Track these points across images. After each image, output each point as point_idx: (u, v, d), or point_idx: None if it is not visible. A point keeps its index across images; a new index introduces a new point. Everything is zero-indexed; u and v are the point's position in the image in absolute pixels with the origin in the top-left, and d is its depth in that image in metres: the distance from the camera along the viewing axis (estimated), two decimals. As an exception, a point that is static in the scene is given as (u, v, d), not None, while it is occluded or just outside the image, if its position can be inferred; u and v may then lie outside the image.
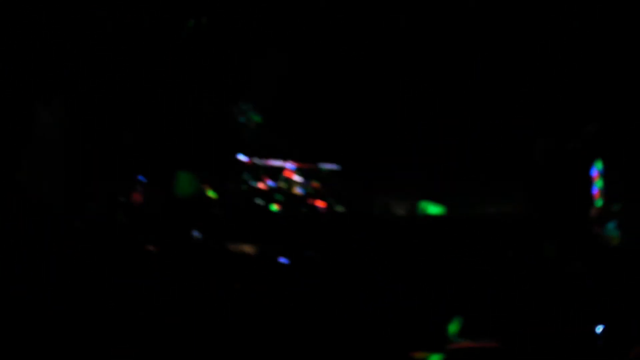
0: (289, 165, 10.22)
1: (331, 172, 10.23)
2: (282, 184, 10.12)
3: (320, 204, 10.06)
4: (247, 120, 10.20)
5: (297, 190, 10.12)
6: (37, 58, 8.42)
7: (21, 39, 8.33)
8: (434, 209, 9.62)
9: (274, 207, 9.89)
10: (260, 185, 10.03)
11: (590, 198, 8.87)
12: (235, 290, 6.33)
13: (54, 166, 8.45)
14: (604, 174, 8.87)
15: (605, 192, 8.82)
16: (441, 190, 9.64)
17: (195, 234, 8.30)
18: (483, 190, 9.44)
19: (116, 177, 8.91)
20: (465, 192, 9.49)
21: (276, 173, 10.15)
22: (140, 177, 9.17)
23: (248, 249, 8.04)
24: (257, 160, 10.14)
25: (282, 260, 7.77)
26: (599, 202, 8.82)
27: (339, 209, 10.02)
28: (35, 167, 8.32)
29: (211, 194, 9.43)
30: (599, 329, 5.24)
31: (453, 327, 5.52)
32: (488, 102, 9.55)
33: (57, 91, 8.57)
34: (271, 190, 10.02)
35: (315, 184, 10.17)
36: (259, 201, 9.90)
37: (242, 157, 10.13)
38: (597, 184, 8.90)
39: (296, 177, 10.17)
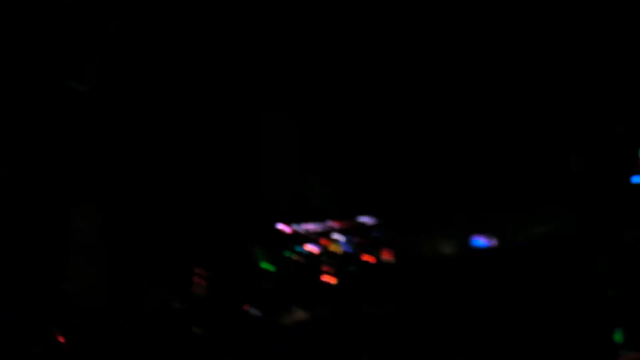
0: (330, 225, 10.20)
1: (372, 224, 10.19)
2: (327, 247, 10.09)
3: (367, 258, 10.01)
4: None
5: (343, 249, 10.09)
6: (68, 163, 8.46)
7: (51, 144, 8.40)
8: (479, 242, 9.54)
9: (325, 271, 9.85)
10: (305, 250, 10.01)
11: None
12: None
13: (97, 272, 8.38)
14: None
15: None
16: (487, 220, 9.54)
17: (253, 310, 8.29)
18: (529, 213, 9.34)
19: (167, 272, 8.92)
20: (510, 218, 9.39)
21: (318, 237, 10.13)
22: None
23: (304, 315, 8.03)
24: (296, 227, 10.13)
25: (341, 319, 7.73)
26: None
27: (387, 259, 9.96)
28: (78, 274, 8.27)
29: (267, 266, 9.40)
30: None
31: None
32: (517, 121, 9.44)
33: (90, 196, 8.56)
34: (317, 255, 9.99)
35: (359, 239, 10.13)
36: (306, 267, 9.87)
37: (281, 226, 10.14)
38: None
39: (338, 236, 10.14)
